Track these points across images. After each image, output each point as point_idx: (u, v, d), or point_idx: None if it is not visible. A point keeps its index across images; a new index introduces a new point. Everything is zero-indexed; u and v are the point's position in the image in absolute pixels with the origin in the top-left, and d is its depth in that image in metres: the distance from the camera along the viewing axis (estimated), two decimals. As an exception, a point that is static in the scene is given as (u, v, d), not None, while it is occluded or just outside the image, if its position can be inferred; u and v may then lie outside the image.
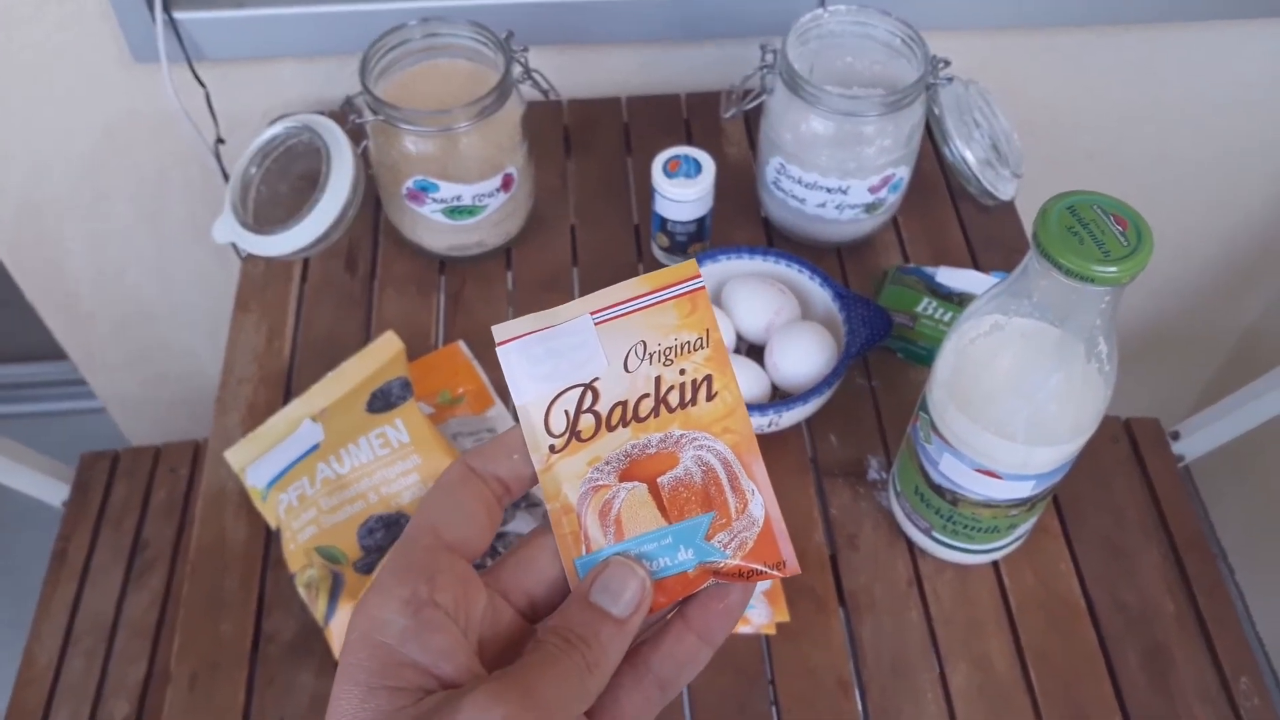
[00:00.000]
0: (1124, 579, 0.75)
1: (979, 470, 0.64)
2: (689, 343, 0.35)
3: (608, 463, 0.34)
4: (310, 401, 0.78)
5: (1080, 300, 0.54)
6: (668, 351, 0.34)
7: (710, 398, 0.34)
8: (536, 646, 0.30)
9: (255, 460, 0.77)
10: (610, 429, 0.34)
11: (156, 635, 1.05)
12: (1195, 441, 1.21)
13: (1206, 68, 1.11)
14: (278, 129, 0.82)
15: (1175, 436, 1.23)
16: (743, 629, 0.71)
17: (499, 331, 0.34)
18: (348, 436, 0.74)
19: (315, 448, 0.75)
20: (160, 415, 1.45)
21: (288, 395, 0.83)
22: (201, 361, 1.36)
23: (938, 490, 0.68)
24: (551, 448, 0.34)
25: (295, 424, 0.77)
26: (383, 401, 0.75)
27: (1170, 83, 1.13)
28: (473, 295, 0.89)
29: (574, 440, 0.34)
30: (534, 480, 0.33)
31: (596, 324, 0.34)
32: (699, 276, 0.35)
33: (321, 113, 0.87)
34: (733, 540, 0.33)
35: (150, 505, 1.16)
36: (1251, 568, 1.47)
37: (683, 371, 0.34)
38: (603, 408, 0.34)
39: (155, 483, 1.18)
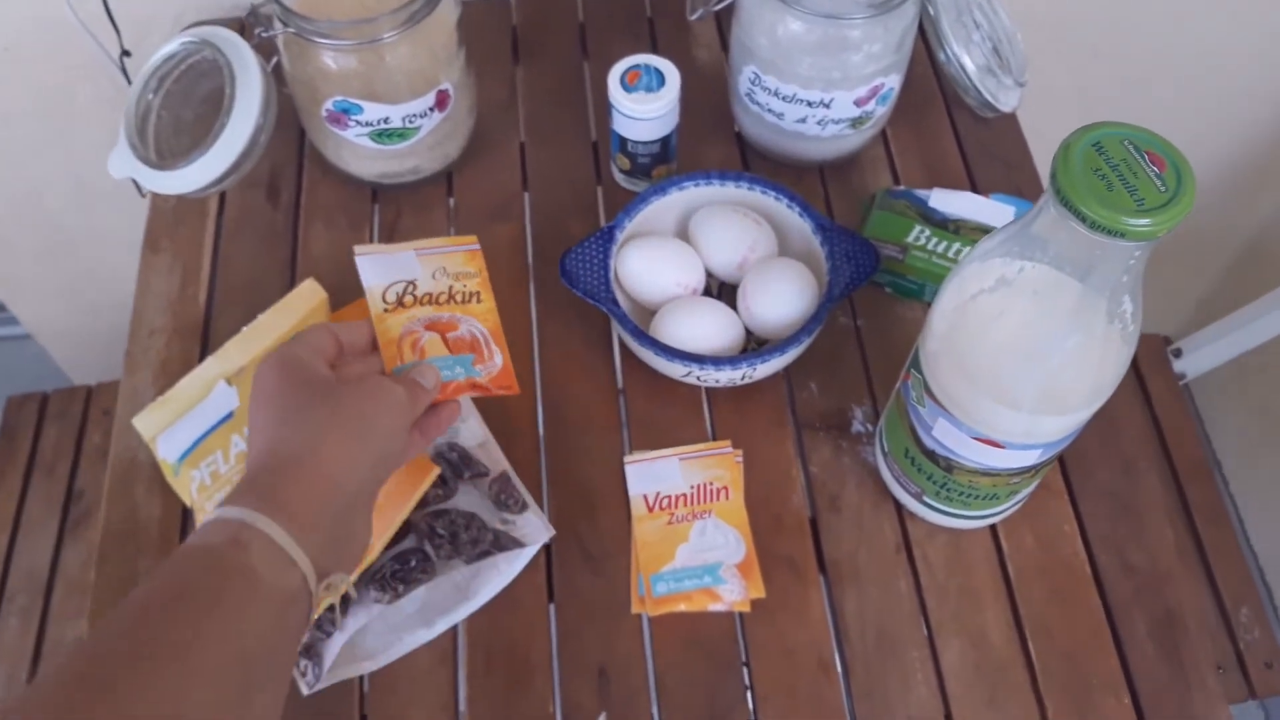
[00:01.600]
0: (1132, 539, 0.68)
1: (978, 439, 0.56)
2: (469, 272, 0.64)
3: (419, 321, 0.61)
4: (225, 360, 0.69)
5: (1106, 255, 0.45)
6: (456, 275, 0.64)
7: (479, 302, 0.63)
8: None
9: (166, 428, 0.68)
10: (420, 305, 0.62)
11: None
12: (1197, 359, 1.15)
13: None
14: (174, 46, 0.71)
15: (1178, 354, 1.16)
16: (714, 607, 0.64)
17: (359, 249, 0.64)
18: (266, 402, 0.65)
19: (230, 415, 0.66)
20: (98, 348, 1.35)
21: (205, 349, 0.74)
22: (132, 288, 1.26)
23: (930, 456, 0.60)
24: (385, 309, 0.61)
25: (209, 386, 0.68)
26: (304, 362, 0.66)
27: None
28: (410, 227, 0.79)
29: (399, 307, 0.61)
30: (366, 348, 0.60)
31: (418, 256, 0.64)
32: (476, 241, 0.65)
33: (229, 23, 0.76)
34: (485, 370, 0.60)
35: (83, 451, 1.08)
36: (1247, 482, 1.42)
37: (465, 286, 0.63)
38: (417, 294, 0.62)
39: (88, 426, 1.10)
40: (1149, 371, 1.14)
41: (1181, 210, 0.43)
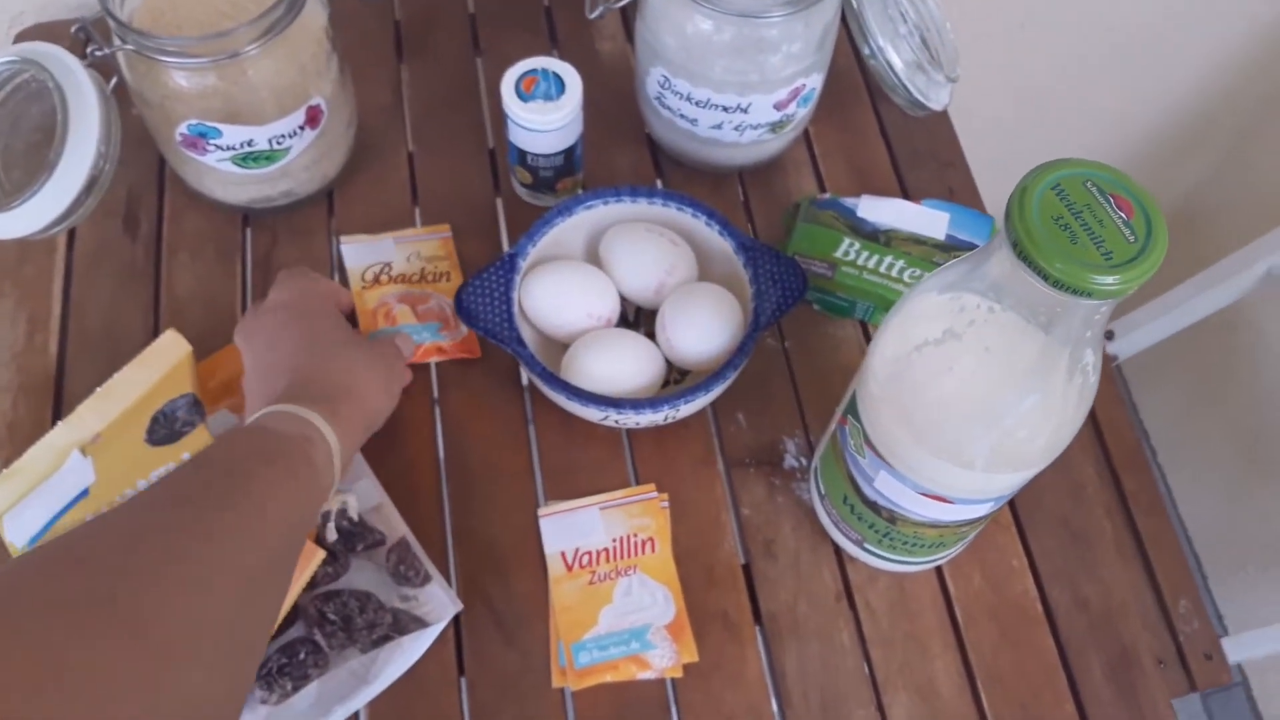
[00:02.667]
0: (1083, 570, 0.64)
1: (925, 494, 0.51)
2: (440, 255, 0.71)
3: (392, 295, 0.69)
4: (79, 425, 0.61)
5: (1067, 311, 0.40)
6: (429, 259, 0.70)
7: (448, 281, 0.70)
8: None
9: (14, 504, 0.60)
10: (394, 283, 0.69)
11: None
12: (1129, 341, 1.12)
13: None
14: (-10, 66, 0.61)
15: (1110, 336, 1.13)
16: (643, 675, 0.59)
17: (345, 238, 0.71)
18: (125, 479, 0.57)
19: (85, 493, 0.58)
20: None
21: (59, 408, 0.66)
22: None
23: (873, 507, 0.55)
24: (363, 287, 0.69)
25: (62, 456, 0.60)
26: (166, 429, 0.58)
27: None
28: (288, 256, 0.71)
29: (375, 284, 0.69)
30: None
31: (396, 243, 0.71)
32: (449, 230, 0.72)
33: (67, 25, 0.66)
34: (449, 336, 0.67)
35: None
36: (1178, 462, 1.41)
37: (436, 268, 0.70)
38: (392, 274, 0.69)
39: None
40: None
41: (1153, 263, 0.38)
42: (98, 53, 0.60)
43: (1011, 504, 0.65)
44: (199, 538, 0.42)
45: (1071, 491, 0.67)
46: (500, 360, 0.68)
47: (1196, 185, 1.30)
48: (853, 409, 0.53)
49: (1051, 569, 0.64)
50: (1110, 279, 0.37)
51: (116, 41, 0.60)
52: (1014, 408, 0.45)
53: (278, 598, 0.47)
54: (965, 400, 0.46)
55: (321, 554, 0.54)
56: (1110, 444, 0.69)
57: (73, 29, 0.60)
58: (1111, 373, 1.09)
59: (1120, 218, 0.38)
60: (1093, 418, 0.70)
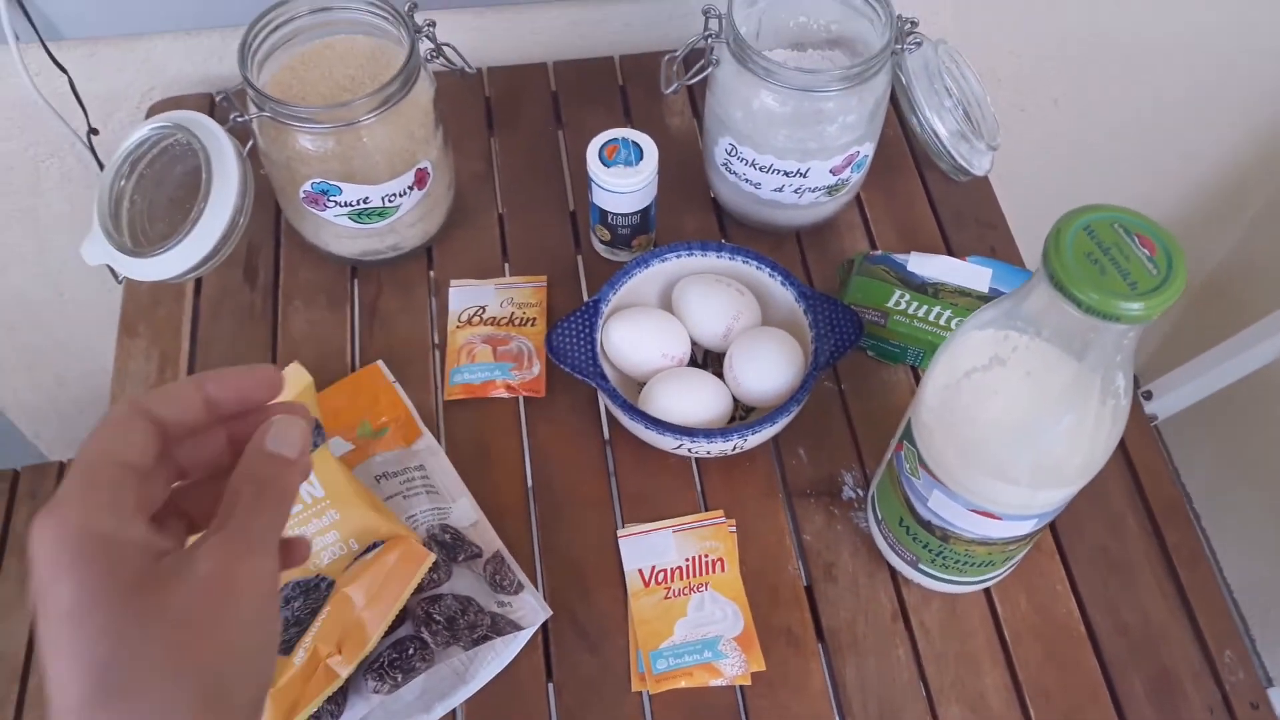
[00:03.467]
0: (1123, 596, 0.69)
1: (975, 511, 0.56)
2: (531, 302, 0.78)
3: (480, 337, 0.76)
4: (209, 448, 0.68)
5: (1099, 336, 0.46)
6: (520, 304, 0.78)
7: (533, 326, 0.77)
8: (236, 497, 0.36)
9: (150, 519, 0.67)
10: (485, 325, 0.77)
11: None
12: (1167, 401, 1.16)
13: (1169, 10, 1.03)
14: (145, 131, 0.70)
15: (1148, 396, 1.18)
16: (715, 682, 0.64)
17: (454, 281, 0.80)
18: (253, 493, 0.64)
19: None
20: (65, 418, 1.33)
21: (185, 435, 0.73)
22: (103, 360, 1.24)
23: (926, 526, 0.61)
24: (457, 326, 0.77)
25: (193, 475, 0.67)
26: (291, 450, 0.65)
27: (1133, 25, 1.05)
28: (391, 305, 0.79)
29: (468, 325, 0.77)
30: (192, 428, 0.38)
31: (496, 288, 0.79)
32: (544, 280, 0.80)
33: (212, 96, 0.75)
34: (519, 376, 0.74)
35: (54, 531, 1.05)
36: (1219, 519, 1.44)
37: (525, 313, 0.77)
38: (484, 316, 0.77)
39: (58, 505, 1.07)
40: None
41: (1174, 292, 0.44)
42: (238, 119, 0.68)
43: (1061, 551, 0.70)
44: None
45: (1114, 533, 0.71)
46: (580, 398, 0.74)
47: (1229, 253, 1.35)
48: (908, 434, 0.59)
49: (1095, 599, 0.68)
50: (1136, 305, 0.43)
51: (253, 109, 0.69)
52: (1053, 427, 0.50)
53: None
54: (1009, 420, 0.52)
55: (432, 557, 0.61)
56: (1151, 498, 0.74)
57: (217, 98, 0.69)
58: (1150, 431, 1.13)
59: (1144, 254, 0.45)
60: (1133, 473, 0.74)
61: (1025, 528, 0.57)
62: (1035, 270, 0.47)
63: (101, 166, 0.93)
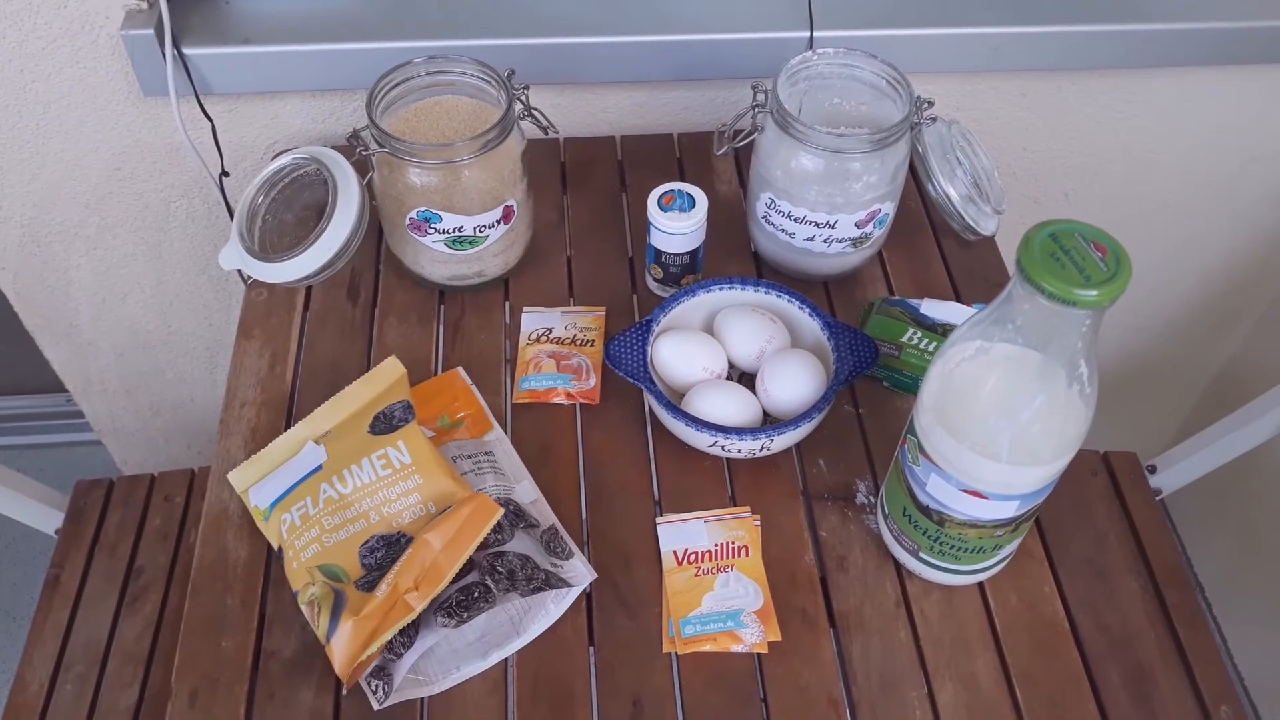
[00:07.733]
0: (1106, 601, 0.77)
1: (965, 491, 0.66)
2: (592, 327, 0.91)
3: (546, 353, 0.89)
4: (313, 424, 0.80)
5: (1062, 324, 0.57)
6: (582, 328, 0.91)
7: (592, 346, 0.89)
8: None
9: (258, 481, 0.78)
10: (550, 343, 0.90)
11: (149, 661, 1.05)
12: (1172, 475, 1.24)
13: (1176, 112, 1.16)
14: (286, 160, 0.84)
15: (1152, 470, 1.25)
16: (736, 648, 0.73)
17: (527, 308, 0.93)
18: (350, 458, 0.75)
19: (318, 468, 0.76)
20: (153, 445, 1.45)
21: (289, 419, 0.85)
22: (193, 390, 1.37)
23: (925, 511, 0.70)
24: (527, 343, 0.90)
25: (298, 446, 0.79)
26: (385, 424, 0.77)
27: (1141, 126, 1.17)
28: (471, 324, 0.91)
29: (537, 342, 0.90)
30: None
31: (562, 314, 0.93)
32: (604, 309, 0.93)
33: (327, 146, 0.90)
34: (577, 386, 0.87)
35: (144, 532, 1.16)
36: (1229, 602, 1.49)
37: (585, 335, 0.90)
38: (551, 336, 0.90)
39: (150, 510, 1.19)
40: (1126, 486, 1.22)
41: (1120, 284, 0.55)
42: (363, 153, 0.82)
43: (1055, 575, 0.79)
44: None
45: (1107, 568, 0.79)
46: (629, 409, 0.85)
47: (1236, 351, 1.44)
48: (911, 428, 0.69)
49: (1088, 619, 0.77)
50: (1090, 292, 0.54)
51: (374, 146, 0.83)
52: (1027, 405, 0.61)
53: None
54: (992, 401, 0.62)
55: (501, 511, 0.71)
56: (1153, 562, 0.83)
57: (348, 137, 0.83)
58: (1154, 501, 1.21)
59: (1098, 255, 0.56)
60: (1136, 539, 0.83)
61: (1009, 509, 0.67)
62: (1011, 279, 0.58)
63: (229, 208, 1.08)
